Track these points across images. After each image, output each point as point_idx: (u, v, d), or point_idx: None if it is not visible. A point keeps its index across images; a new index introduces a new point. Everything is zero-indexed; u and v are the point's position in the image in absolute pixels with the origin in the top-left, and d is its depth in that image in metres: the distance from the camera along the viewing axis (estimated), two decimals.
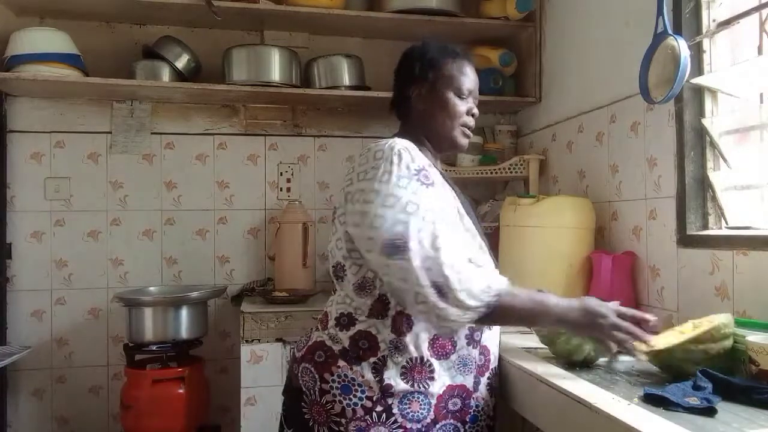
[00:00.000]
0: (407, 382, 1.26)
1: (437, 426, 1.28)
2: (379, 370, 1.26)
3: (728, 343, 1.18)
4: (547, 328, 1.39)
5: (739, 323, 1.24)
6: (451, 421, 1.29)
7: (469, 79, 1.44)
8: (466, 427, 1.31)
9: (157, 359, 2.44)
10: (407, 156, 1.27)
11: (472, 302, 1.18)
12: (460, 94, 1.42)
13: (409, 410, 1.26)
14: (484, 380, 1.35)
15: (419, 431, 1.26)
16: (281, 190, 2.90)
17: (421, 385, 1.26)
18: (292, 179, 2.90)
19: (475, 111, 1.46)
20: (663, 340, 1.24)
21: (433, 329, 1.27)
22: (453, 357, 1.29)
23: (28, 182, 2.66)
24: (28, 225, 2.66)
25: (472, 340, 1.32)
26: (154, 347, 2.42)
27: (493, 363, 1.39)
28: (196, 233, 2.82)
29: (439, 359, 1.28)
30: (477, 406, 1.33)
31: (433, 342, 1.28)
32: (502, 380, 1.45)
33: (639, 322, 1.24)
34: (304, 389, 1.32)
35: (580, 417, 1.10)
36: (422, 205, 1.21)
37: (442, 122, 1.42)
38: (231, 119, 2.85)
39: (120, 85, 2.49)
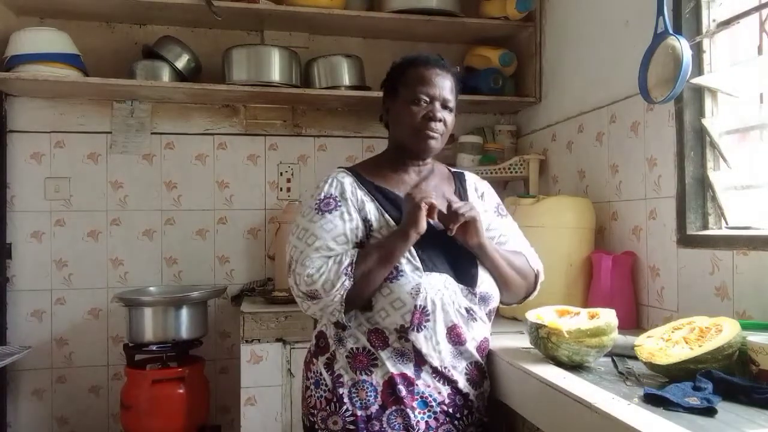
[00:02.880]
0: (354, 371, 1.38)
1: (386, 412, 1.36)
2: (330, 364, 1.42)
3: (732, 357, 1.16)
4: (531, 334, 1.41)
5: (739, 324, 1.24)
6: (400, 407, 1.35)
7: (427, 84, 1.45)
8: (416, 413, 1.35)
9: (157, 359, 2.44)
10: (322, 187, 1.46)
11: (333, 291, 1.32)
12: (415, 102, 1.44)
13: (357, 398, 1.37)
14: (426, 369, 1.37)
15: (369, 417, 1.35)
16: (281, 190, 2.90)
17: (365, 373, 1.37)
18: (292, 179, 2.90)
19: (435, 114, 1.44)
20: (656, 348, 1.23)
21: (366, 323, 1.38)
22: (390, 347, 1.37)
23: (28, 182, 2.66)
24: (28, 225, 2.66)
25: (402, 336, 1.36)
26: (154, 347, 2.43)
27: (433, 363, 1.37)
28: (196, 233, 2.82)
29: (378, 349, 1.37)
30: (423, 393, 1.37)
31: (370, 333, 1.38)
32: (501, 380, 1.45)
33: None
34: (302, 387, 1.50)
35: (580, 417, 1.10)
36: (309, 230, 1.40)
37: (401, 132, 1.50)
38: (231, 119, 2.85)
39: (120, 85, 2.49)
